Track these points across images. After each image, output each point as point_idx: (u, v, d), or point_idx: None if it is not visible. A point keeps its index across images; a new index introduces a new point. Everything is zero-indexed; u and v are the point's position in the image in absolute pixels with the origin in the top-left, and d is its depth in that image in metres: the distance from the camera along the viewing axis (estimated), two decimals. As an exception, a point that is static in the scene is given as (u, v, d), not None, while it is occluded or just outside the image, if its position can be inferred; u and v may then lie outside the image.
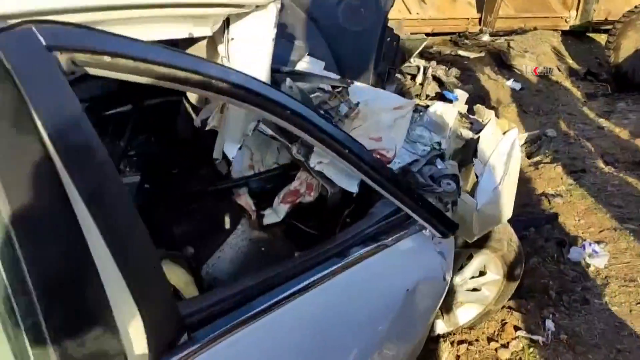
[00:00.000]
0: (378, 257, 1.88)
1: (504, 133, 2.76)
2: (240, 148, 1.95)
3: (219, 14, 1.44)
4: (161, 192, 2.46)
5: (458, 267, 3.21)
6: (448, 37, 8.40)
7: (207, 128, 1.81)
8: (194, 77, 1.26)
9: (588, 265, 4.09)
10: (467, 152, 2.75)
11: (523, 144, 2.98)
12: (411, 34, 8.19)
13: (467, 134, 2.77)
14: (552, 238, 4.39)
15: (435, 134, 2.51)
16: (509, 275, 3.28)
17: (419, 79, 3.78)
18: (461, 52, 7.47)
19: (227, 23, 1.60)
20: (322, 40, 2.32)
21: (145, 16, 1.29)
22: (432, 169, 2.33)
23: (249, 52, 1.63)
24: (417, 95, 3.74)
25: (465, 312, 3.45)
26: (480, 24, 8.56)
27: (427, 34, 8.31)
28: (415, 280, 1.99)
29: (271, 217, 2.19)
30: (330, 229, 2.25)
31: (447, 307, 3.34)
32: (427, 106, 3.02)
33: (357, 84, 2.17)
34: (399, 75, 3.65)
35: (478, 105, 3.01)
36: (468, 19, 8.55)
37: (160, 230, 2.28)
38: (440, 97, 3.76)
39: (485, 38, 8.20)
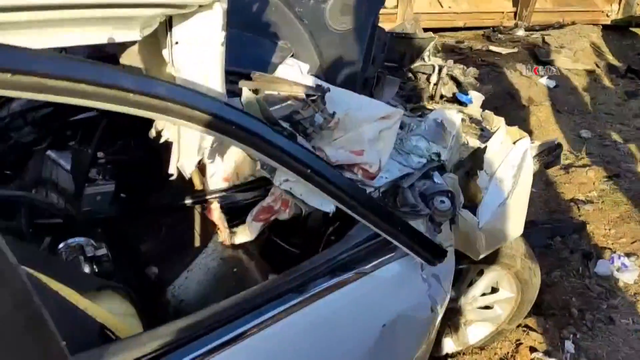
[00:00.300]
0: (350, 288, 1.68)
1: (515, 142, 2.51)
2: (200, 162, 1.76)
3: (147, 16, 1.25)
4: (135, 203, 2.29)
5: (467, 283, 2.98)
6: (481, 32, 8.06)
7: (161, 141, 1.62)
8: (100, 90, 1.07)
9: (616, 280, 3.78)
10: (476, 162, 2.51)
11: (539, 154, 2.71)
12: (442, 29, 7.92)
13: (474, 142, 2.53)
14: (578, 249, 4.09)
15: (435, 144, 2.28)
16: (524, 294, 3.03)
17: (433, 78, 3.53)
18: (493, 48, 7.14)
19: (169, 25, 1.41)
20: (308, 41, 2.12)
21: (48, 19, 1.11)
22: (427, 184, 2.10)
23: (196, 57, 1.44)
24: (430, 97, 3.49)
25: (476, 331, 3.21)
26: (515, 18, 8.19)
27: (459, 29, 8.03)
28: (395, 314, 1.77)
29: (243, 235, 2.00)
30: (314, 247, 2.05)
31: (455, 325, 3.12)
32: (429, 111, 2.79)
33: (338, 90, 1.95)
34: (410, 75, 3.42)
35: (486, 111, 2.77)
36: (503, 12, 8.19)
37: (126, 246, 2.12)
38: (454, 99, 3.52)
39: (520, 33, 7.83)
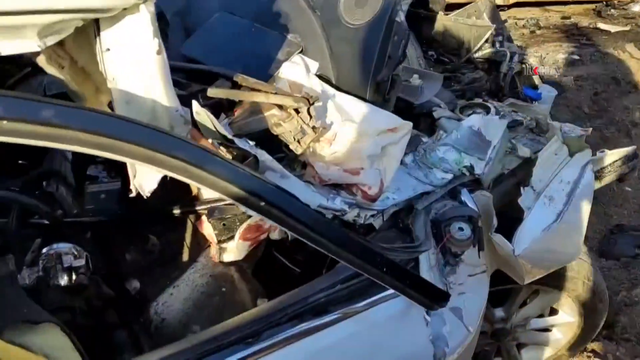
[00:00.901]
0: (328, 332, 1.44)
1: (572, 155, 2.14)
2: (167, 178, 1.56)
3: (45, 24, 1.05)
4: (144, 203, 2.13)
5: (519, 304, 2.65)
6: (592, 6, 7.34)
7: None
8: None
9: None
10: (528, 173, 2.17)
11: (612, 163, 2.31)
12: (548, 2, 7.28)
13: (524, 151, 2.18)
14: (669, 264, 3.60)
15: (468, 155, 1.97)
16: (587, 319, 2.67)
17: (504, 68, 3.14)
18: (601, 25, 6.47)
19: (98, 30, 1.21)
20: (320, 35, 1.85)
21: None
22: (447, 206, 1.80)
23: (131, 66, 1.23)
24: (500, 88, 3.11)
25: (530, 355, 2.90)
26: (633, -9, 7.40)
27: (567, 2, 7.36)
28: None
29: (231, 253, 1.80)
30: (317, 267, 1.83)
31: (506, 347, 2.80)
32: (483, 110, 2.45)
33: (340, 96, 1.68)
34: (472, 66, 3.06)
35: (539, 115, 2.39)
36: (618, -16, 7.42)
37: (112, 255, 1.98)
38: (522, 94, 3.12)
39: (636, 8, 7.06)
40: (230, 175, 1.21)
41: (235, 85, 1.64)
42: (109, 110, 1.14)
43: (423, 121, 2.43)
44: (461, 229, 1.72)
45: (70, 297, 1.73)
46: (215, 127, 1.31)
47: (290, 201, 1.29)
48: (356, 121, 1.63)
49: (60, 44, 1.29)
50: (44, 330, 1.40)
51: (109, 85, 1.26)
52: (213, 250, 1.84)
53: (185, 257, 1.91)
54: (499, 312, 2.65)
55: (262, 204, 1.25)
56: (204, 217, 1.85)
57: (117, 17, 1.18)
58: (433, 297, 1.56)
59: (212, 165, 1.19)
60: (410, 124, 1.64)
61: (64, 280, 1.77)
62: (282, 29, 1.90)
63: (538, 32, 6.52)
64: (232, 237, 1.79)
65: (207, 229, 1.83)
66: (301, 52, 1.85)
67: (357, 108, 1.65)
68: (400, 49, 1.79)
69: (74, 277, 1.78)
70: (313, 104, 1.53)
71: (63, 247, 1.84)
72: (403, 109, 2.41)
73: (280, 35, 1.88)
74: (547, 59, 3.66)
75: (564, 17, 6.98)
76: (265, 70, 1.81)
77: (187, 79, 1.84)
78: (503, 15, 7.01)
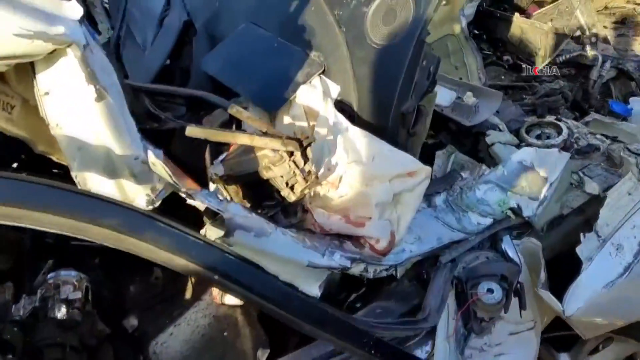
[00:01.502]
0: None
1: (651, 195, 1.80)
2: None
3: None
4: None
5: (589, 350, 2.33)
6: None
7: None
8: None
9: None
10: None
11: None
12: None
13: (593, 187, 1.86)
14: None
15: (515, 194, 1.68)
16: (672, 373, 2.31)
17: (594, 74, 2.76)
18: None
19: (34, 73, 1.06)
20: (345, 55, 1.61)
21: None
22: (479, 259, 1.54)
23: (73, 111, 1.07)
24: (588, 96, 2.74)
25: (604, 406, 2.54)
26: None
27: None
28: None
29: (232, 297, 1.64)
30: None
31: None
32: (553, 129, 2.14)
33: (353, 130, 1.43)
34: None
35: (614, 144, 2.03)
36: None
37: (114, 286, 1.87)
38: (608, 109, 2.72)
39: None
40: (174, 244, 1.04)
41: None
42: (15, 174, 0.99)
43: (483, 141, 2.15)
44: (491, 290, 1.46)
45: (61, 333, 1.63)
46: (172, 181, 1.13)
47: (251, 273, 1.10)
48: (365, 163, 1.40)
49: (4, 81, 1.15)
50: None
51: (52, 132, 1.11)
52: (215, 290, 1.69)
53: (189, 294, 1.76)
54: (564, 358, 2.35)
55: (216, 277, 1.07)
56: (208, 253, 1.70)
57: (52, 59, 1.03)
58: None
59: (150, 232, 1.02)
60: (429, 169, 1.39)
61: (60, 313, 1.67)
62: (305, 44, 1.69)
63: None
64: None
65: (212, 266, 1.68)
66: (323, 72, 1.63)
67: (369, 146, 1.41)
68: (429, 75, 1.54)
69: (70, 310, 1.69)
70: (309, 145, 1.31)
71: (67, 274, 1.75)
72: (455, 131, 2.15)
73: (302, 52, 1.67)
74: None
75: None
76: (282, 93, 1.61)
77: (187, 104, 1.68)
78: (621, -1, 6.36)
